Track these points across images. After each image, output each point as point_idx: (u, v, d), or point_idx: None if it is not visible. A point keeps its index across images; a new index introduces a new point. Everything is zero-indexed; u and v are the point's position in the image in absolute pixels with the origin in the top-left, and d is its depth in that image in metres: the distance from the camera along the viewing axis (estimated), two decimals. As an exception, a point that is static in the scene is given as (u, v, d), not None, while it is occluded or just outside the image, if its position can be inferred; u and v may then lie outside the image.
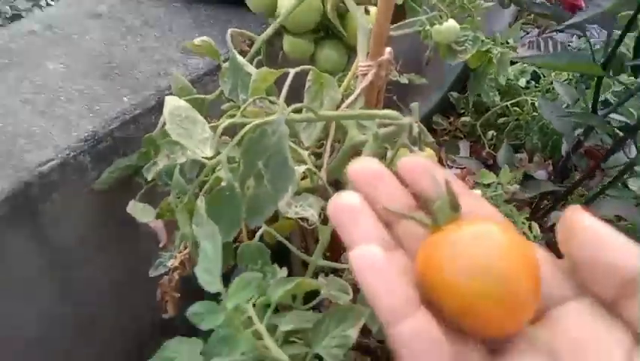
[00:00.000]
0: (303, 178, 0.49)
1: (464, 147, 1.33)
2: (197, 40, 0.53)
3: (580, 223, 0.22)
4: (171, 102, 0.46)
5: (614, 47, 0.68)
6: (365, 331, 0.43)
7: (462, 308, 0.22)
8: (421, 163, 0.25)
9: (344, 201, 0.24)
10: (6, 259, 0.55)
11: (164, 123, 0.46)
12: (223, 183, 0.42)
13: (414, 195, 0.25)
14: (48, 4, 1.54)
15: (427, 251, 0.23)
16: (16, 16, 1.50)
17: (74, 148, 0.56)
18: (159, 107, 0.59)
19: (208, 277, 0.34)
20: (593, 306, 0.23)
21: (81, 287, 0.65)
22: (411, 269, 0.24)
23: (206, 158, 0.45)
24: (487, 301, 0.22)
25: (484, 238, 0.23)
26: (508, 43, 0.85)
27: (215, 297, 0.34)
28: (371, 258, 0.21)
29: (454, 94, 1.34)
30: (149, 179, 0.53)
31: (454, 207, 0.24)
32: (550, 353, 0.22)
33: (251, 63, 0.58)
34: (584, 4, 0.76)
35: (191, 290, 0.40)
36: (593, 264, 0.22)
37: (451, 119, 1.37)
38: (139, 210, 0.58)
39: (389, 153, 0.46)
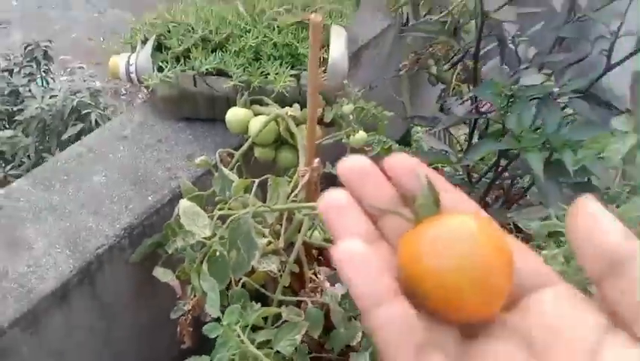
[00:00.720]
0: (268, 244, 0.76)
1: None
2: (197, 160, 0.82)
3: (584, 209, 0.23)
4: (183, 204, 0.74)
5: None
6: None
7: (438, 295, 0.23)
8: (406, 162, 0.26)
9: (332, 199, 0.25)
10: (73, 311, 0.82)
11: (178, 215, 0.74)
12: (217, 253, 0.70)
13: (400, 192, 0.26)
14: (44, 80, 1.65)
15: (407, 243, 0.25)
16: (13, 92, 1.55)
17: (117, 236, 0.84)
18: (173, 201, 0.88)
19: (213, 309, 0.61)
20: (568, 292, 0.24)
21: (119, 330, 0.91)
22: (393, 261, 0.25)
23: (205, 238, 0.73)
24: (461, 288, 0.23)
25: (460, 229, 0.24)
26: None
27: (217, 320, 0.61)
28: (351, 250, 0.22)
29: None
30: (170, 252, 0.80)
31: (435, 202, 0.25)
32: (524, 338, 0.23)
33: (233, 167, 0.87)
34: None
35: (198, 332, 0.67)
36: (586, 243, 0.22)
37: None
38: (161, 273, 0.85)
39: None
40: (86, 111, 1.42)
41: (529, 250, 0.26)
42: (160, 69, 0.92)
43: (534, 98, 0.72)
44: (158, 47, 0.96)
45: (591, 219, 0.22)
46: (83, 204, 0.86)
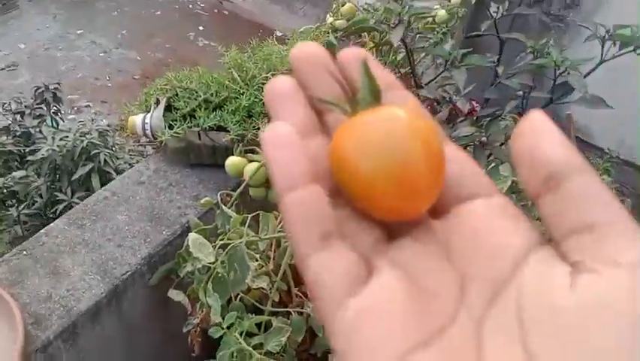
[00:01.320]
0: (260, 267, 0.95)
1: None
2: (202, 200, 1.02)
3: (529, 123, 0.21)
4: (192, 236, 0.93)
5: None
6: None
7: (362, 189, 0.23)
8: (356, 54, 0.25)
9: (276, 87, 0.24)
10: (103, 327, 1.00)
11: (188, 245, 0.94)
12: (219, 274, 0.89)
13: (348, 84, 0.25)
14: (53, 120, 1.70)
15: (336, 136, 0.24)
16: (24, 133, 1.58)
17: (139, 264, 1.03)
18: (183, 234, 1.07)
19: (215, 316, 0.79)
20: (501, 205, 0.23)
21: (139, 342, 1.09)
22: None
23: (210, 263, 0.92)
24: (385, 183, 0.22)
25: (388, 122, 0.23)
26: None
27: (219, 325, 0.80)
28: (277, 131, 0.21)
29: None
30: (182, 276, 0.99)
31: (373, 95, 0.24)
32: (445, 244, 0.23)
33: (232, 205, 1.06)
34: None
35: (206, 342, 0.86)
36: (526, 156, 0.21)
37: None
38: (175, 294, 1.04)
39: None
40: (95, 151, 1.45)
41: (469, 159, 0.25)
42: (170, 126, 1.12)
43: (467, 146, 0.92)
44: (168, 108, 1.16)
45: (533, 132, 0.21)
46: (109, 238, 1.06)
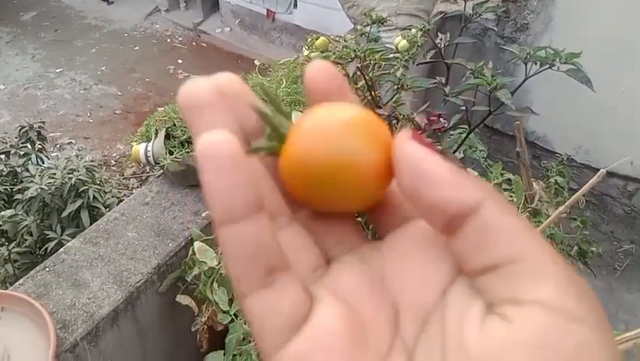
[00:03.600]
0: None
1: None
2: (204, 214, 1.17)
3: (402, 151, 0.20)
4: (197, 244, 1.09)
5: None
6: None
7: (318, 180, 0.22)
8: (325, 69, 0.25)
9: (193, 94, 0.21)
10: (121, 329, 1.14)
11: (194, 253, 1.09)
12: (223, 274, 1.05)
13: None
14: (38, 158, 1.69)
15: (288, 138, 0.24)
16: (11, 173, 1.57)
17: (150, 273, 1.18)
18: (187, 246, 1.22)
19: (224, 306, 0.95)
20: (428, 229, 0.22)
21: (152, 342, 1.24)
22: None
23: (213, 266, 1.08)
24: (336, 172, 0.22)
25: (335, 116, 0.23)
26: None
27: (227, 313, 0.95)
28: (217, 148, 0.19)
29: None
30: (189, 280, 1.14)
31: (285, 113, 0.25)
32: (379, 271, 0.23)
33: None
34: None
35: (213, 339, 1.01)
36: (417, 201, 0.20)
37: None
38: (182, 299, 1.19)
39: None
40: (83, 188, 1.46)
41: None
42: (170, 152, 1.28)
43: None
44: (167, 136, 1.32)
45: (416, 171, 0.20)
46: (122, 253, 1.21)
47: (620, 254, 2.26)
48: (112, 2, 4.74)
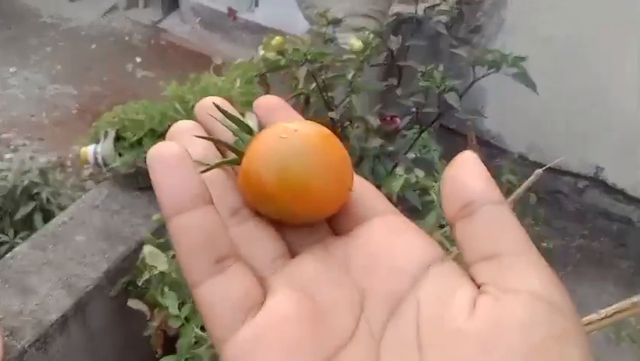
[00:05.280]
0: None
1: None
2: (154, 217, 1.16)
3: (460, 159, 0.23)
4: (147, 249, 1.08)
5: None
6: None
7: (269, 195, 0.23)
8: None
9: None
10: (71, 335, 1.12)
11: (144, 257, 1.08)
12: (174, 277, 1.03)
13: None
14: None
15: (246, 152, 0.25)
16: None
17: (99, 278, 1.16)
18: (138, 250, 1.20)
19: (174, 310, 0.94)
20: (397, 222, 0.24)
21: (105, 348, 1.22)
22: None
23: (164, 270, 1.06)
24: (287, 188, 0.23)
25: (289, 134, 0.24)
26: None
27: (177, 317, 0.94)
28: (165, 152, 0.21)
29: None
30: (140, 284, 1.13)
31: (247, 129, 0.26)
32: (345, 262, 0.23)
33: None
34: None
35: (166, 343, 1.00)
36: (448, 184, 0.22)
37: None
38: (134, 303, 1.17)
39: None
40: (36, 190, 1.44)
41: (368, 184, 0.26)
42: (120, 154, 1.26)
43: (378, 156, 1.11)
44: (117, 138, 1.30)
45: (459, 165, 0.22)
46: (71, 258, 1.18)
47: (571, 249, 2.33)
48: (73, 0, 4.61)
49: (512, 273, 0.20)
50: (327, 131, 0.25)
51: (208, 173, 0.24)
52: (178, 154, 0.21)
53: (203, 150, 0.26)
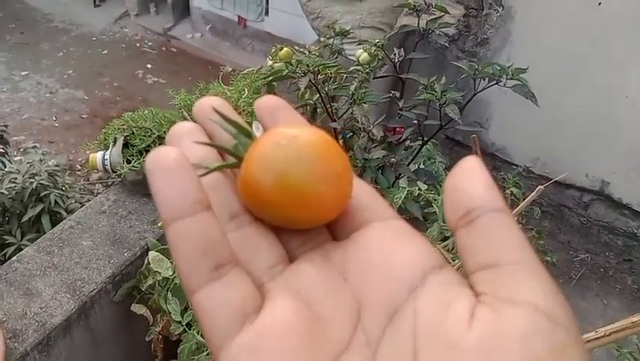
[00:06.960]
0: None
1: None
2: (159, 223, 1.17)
3: (462, 165, 0.22)
4: (152, 254, 1.09)
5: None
6: None
7: (267, 201, 0.23)
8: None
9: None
10: (74, 339, 1.13)
11: (149, 262, 1.09)
12: (177, 284, 1.05)
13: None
14: (0, 162, 1.63)
15: (245, 157, 0.24)
16: None
17: (104, 283, 1.17)
18: (143, 255, 1.22)
19: (176, 316, 0.95)
20: (397, 228, 0.24)
21: (107, 352, 1.23)
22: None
23: (168, 276, 1.08)
24: (286, 193, 0.23)
25: (288, 139, 0.23)
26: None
27: (179, 323, 0.96)
28: (163, 159, 0.21)
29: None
30: (144, 290, 1.14)
31: (245, 132, 0.26)
32: (343, 268, 0.23)
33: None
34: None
35: (167, 348, 1.01)
36: (450, 191, 0.22)
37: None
38: (137, 308, 1.18)
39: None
40: (45, 193, 1.45)
41: (369, 188, 0.26)
42: (128, 161, 1.28)
43: (381, 167, 1.12)
44: (125, 145, 1.32)
45: (462, 173, 0.22)
46: (77, 262, 1.20)
47: (575, 263, 2.33)
48: (99, 5, 4.66)
49: (512, 283, 0.20)
50: (327, 137, 0.24)
51: (207, 176, 0.24)
52: (176, 160, 0.21)
53: (203, 151, 0.25)
